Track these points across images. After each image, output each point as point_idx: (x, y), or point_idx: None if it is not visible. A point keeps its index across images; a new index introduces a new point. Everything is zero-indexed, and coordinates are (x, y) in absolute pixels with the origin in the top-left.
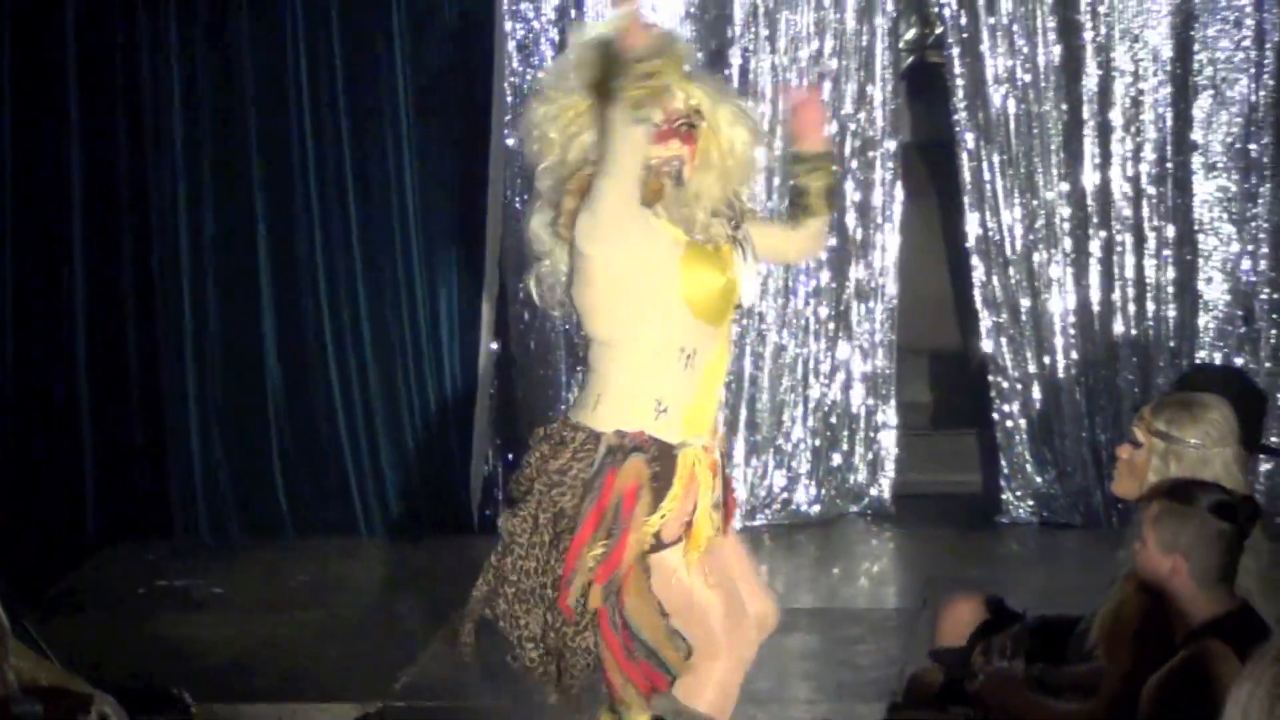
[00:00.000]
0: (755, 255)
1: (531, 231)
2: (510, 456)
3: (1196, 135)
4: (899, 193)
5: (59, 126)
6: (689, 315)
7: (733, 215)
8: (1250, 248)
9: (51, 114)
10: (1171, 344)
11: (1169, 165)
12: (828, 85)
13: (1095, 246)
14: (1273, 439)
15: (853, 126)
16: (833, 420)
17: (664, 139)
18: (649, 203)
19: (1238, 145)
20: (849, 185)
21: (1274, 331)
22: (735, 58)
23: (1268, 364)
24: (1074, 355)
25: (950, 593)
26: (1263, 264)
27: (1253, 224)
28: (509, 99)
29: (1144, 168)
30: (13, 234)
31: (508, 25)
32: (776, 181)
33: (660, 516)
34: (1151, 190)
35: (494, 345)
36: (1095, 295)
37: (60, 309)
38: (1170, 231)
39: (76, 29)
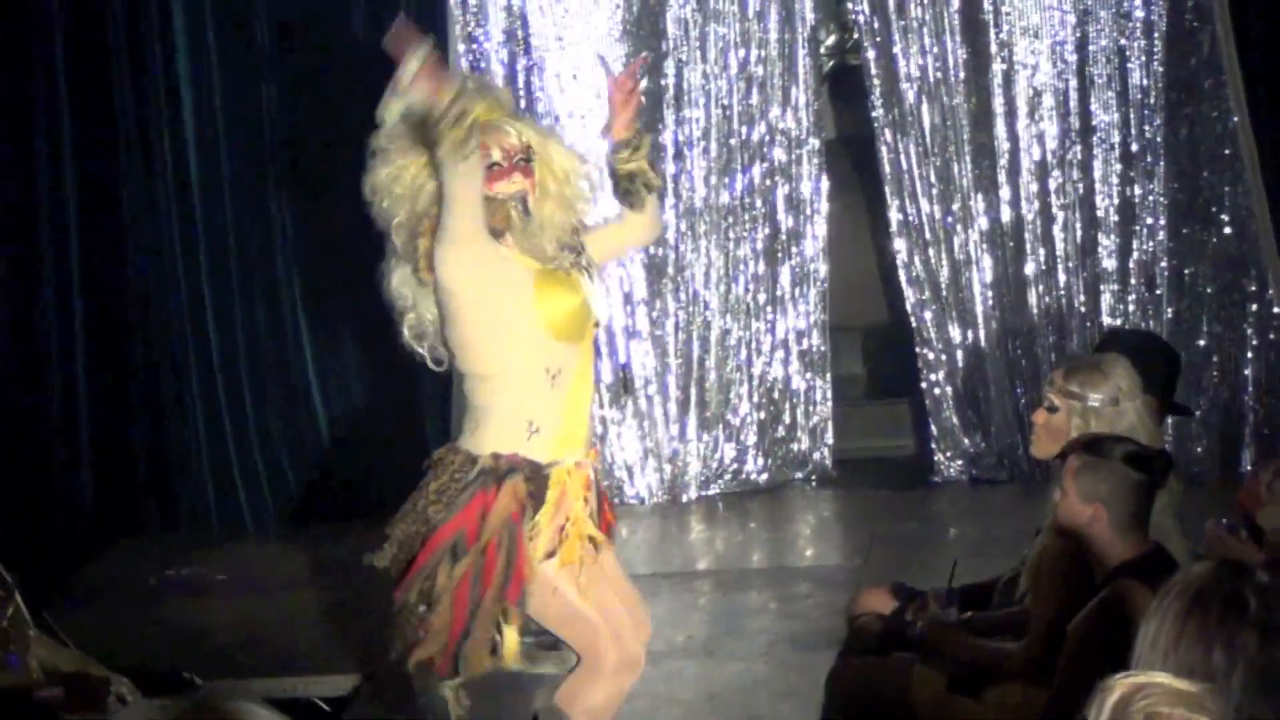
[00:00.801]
0: (599, 275)
1: (393, 291)
2: None
3: (1095, 120)
4: (825, 185)
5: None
6: (549, 337)
7: (575, 242)
8: (1149, 220)
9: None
10: (1082, 310)
11: (1070, 149)
12: (642, 69)
13: (1007, 225)
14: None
15: (780, 126)
16: (775, 395)
17: (507, 175)
18: (497, 234)
19: (1134, 129)
20: (779, 182)
21: (1173, 296)
22: (670, 69)
23: (1170, 327)
24: (993, 325)
25: (860, 588)
26: (1161, 235)
27: (1149, 199)
28: None
29: (1048, 152)
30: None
31: (460, 47)
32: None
33: (531, 530)
34: (1056, 173)
35: None
36: (1009, 270)
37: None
38: (1075, 209)
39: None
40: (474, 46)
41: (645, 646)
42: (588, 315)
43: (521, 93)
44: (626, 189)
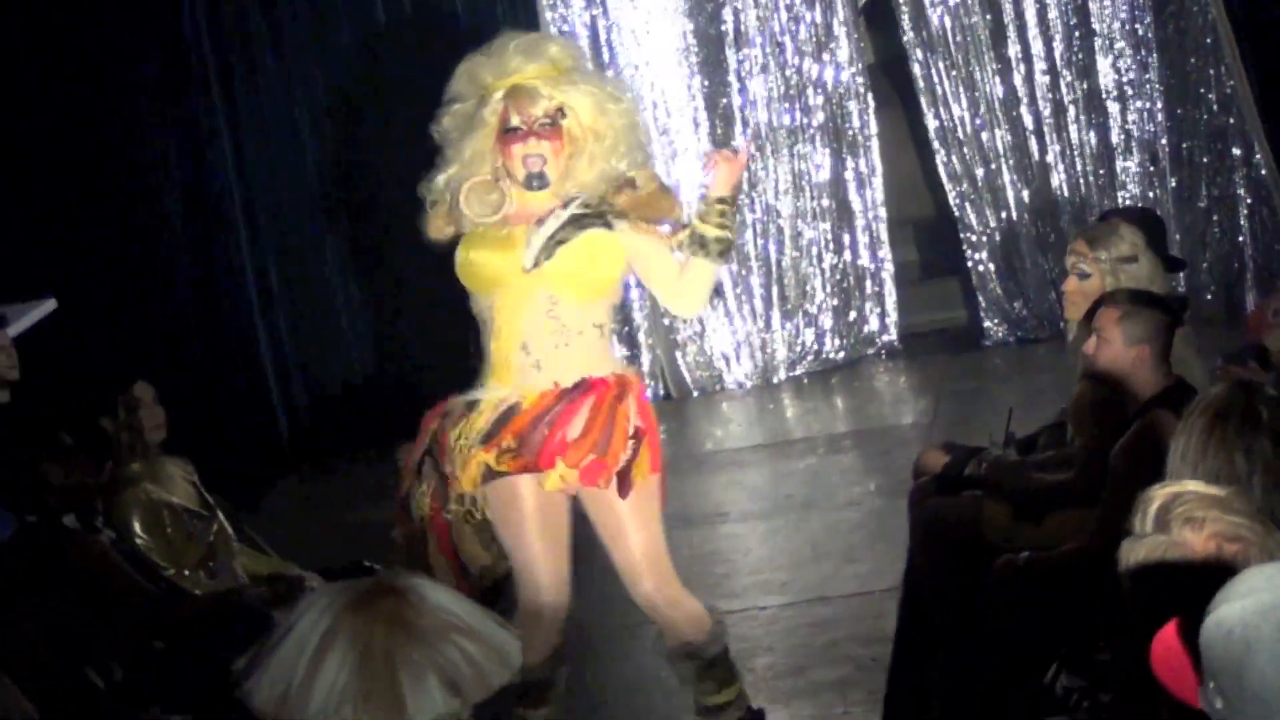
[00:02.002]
0: (554, 231)
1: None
2: None
3: (1095, 25)
4: (871, 102)
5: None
6: (466, 288)
7: (584, 203)
8: (1147, 105)
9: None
10: (1098, 186)
11: (1076, 51)
12: (750, 147)
13: (1028, 122)
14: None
15: (827, 55)
16: (844, 284)
17: (523, 138)
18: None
19: (1128, 28)
20: (833, 102)
21: (1174, 167)
22: (729, 15)
23: (1173, 194)
24: (1023, 208)
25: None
26: (1159, 116)
27: (1146, 87)
28: None
29: (1057, 56)
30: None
31: (548, 15)
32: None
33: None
34: (1066, 73)
35: None
36: (1032, 159)
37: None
38: (1083, 103)
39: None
40: (559, 11)
41: (663, 601)
42: (501, 265)
43: (604, 48)
44: (699, 243)
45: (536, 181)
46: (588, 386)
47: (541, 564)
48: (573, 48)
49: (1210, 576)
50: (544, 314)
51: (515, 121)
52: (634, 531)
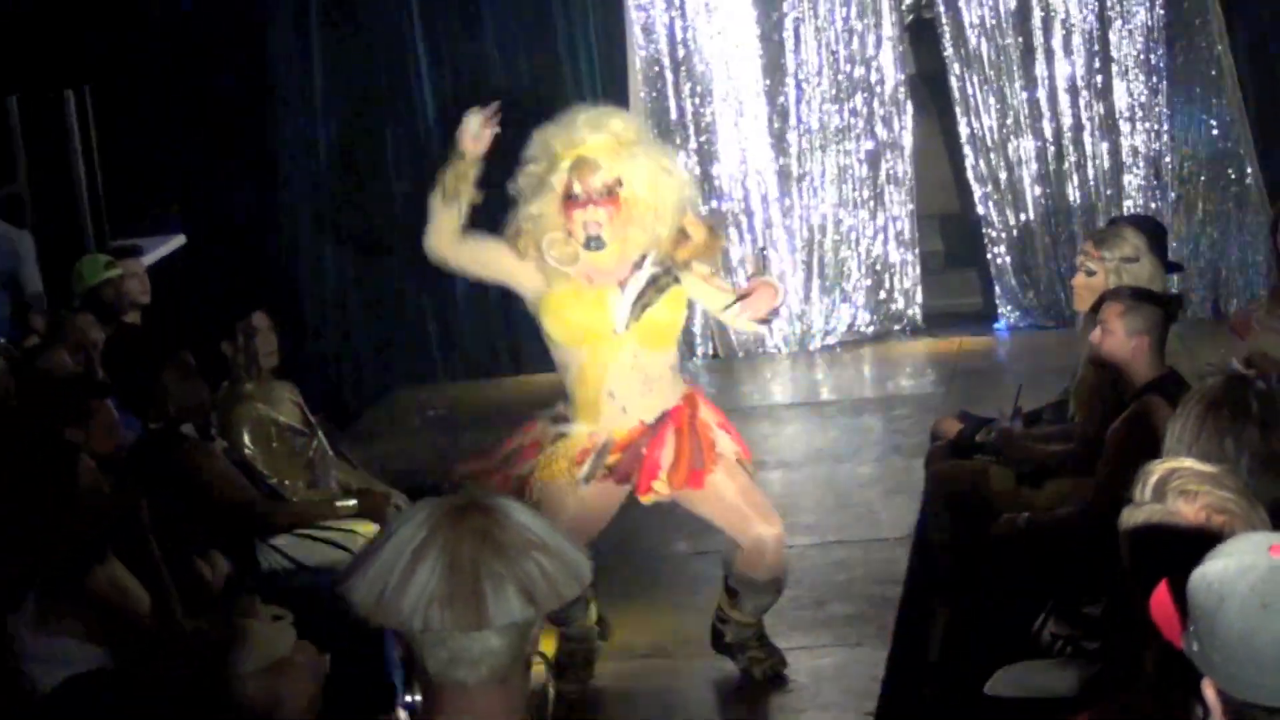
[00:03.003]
0: (645, 292)
1: None
2: None
3: (1113, 52)
4: (910, 108)
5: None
6: (553, 341)
7: (643, 260)
8: (1155, 126)
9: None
10: (1107, 194)
11: (1095, 74)
12: (778, 275)
13: (1049, 134)
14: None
15: (875, 65)
16: (877, 267)
17: (582, 205)
18: (517, 247)
19: (1142, 56)
20: (876, 107)
21: (1175, 182)
22: (789, 25)
23: (1172, 206)
24: (1040, 210)
25: (939, 416)
26: (1165, 136)
27: (1155, 110)
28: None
29: (1078, 77)
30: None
31: (633, 14)
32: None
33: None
34: (1085, 93)
35: None
36: (1051, 168)
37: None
38: (1099, 120)
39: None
40: (644, 13)
41: (771, 537)
42: (591, 325)
43: (680, 47)
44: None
45: (594, 243)
46: (666, 417)
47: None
48: (635, 122)
49: (1199, 543)
50: (629, 366)
51: (577, 189)
52: (740, 497)
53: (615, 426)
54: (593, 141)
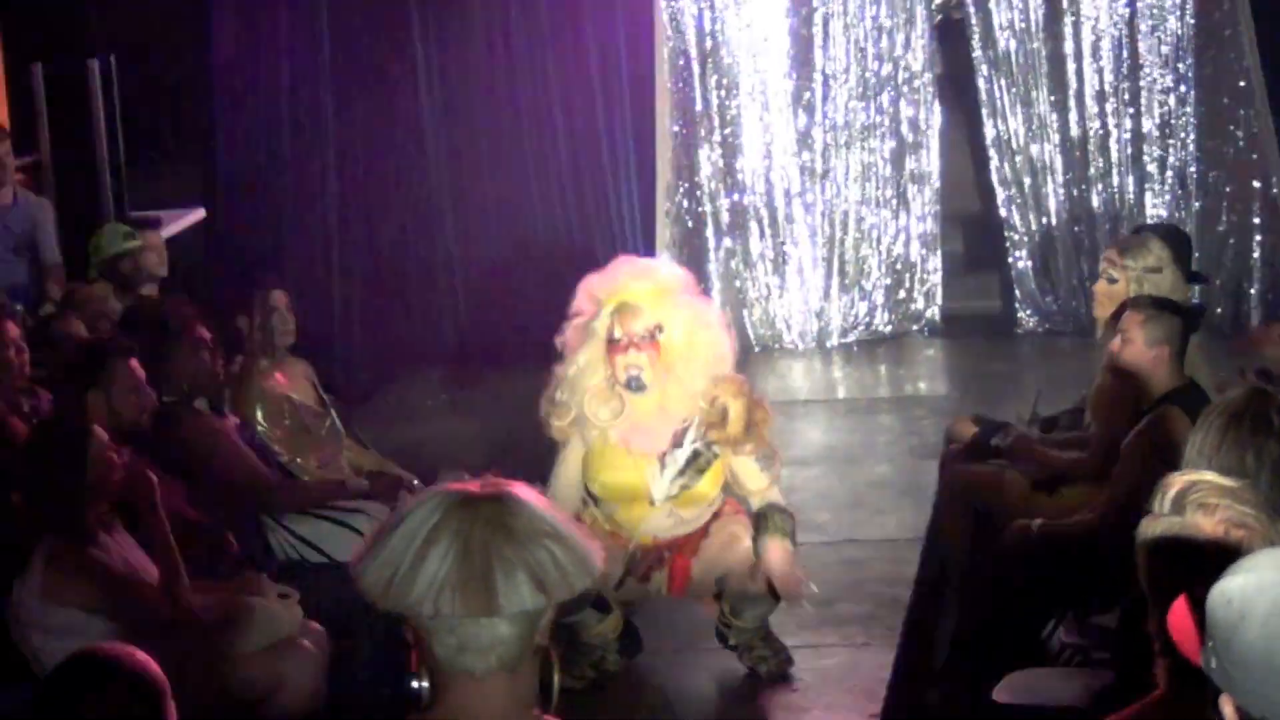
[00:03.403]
0: (677, 474)
1: None
2: None
3: (1143, 60)
4: (937, 108)
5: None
6: (593, 489)
7: (683, 435)
8: (1182, 135)
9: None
10: (1130, 202)
11: (1124, 81)
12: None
13: (1075, 139)
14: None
15: (903, 64)
16: (898, 266)
17: (623, 349)
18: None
19: (1171, 66)
20: (902, 107)
21: (1199, 193)
22: (818, 20)
23: (1196, 217)
24: (1063, 216)
25: (955, 418)
26: (1191, 147)
27: (1183, 119)
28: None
29: (1106, 84)
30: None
31: (663, 3)
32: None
33: None
34: (1112, 100)
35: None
36: (1076, 173)
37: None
38: (1126, 126)
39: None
40: (673, 4)
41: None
42: (631, 492)
43: (708, 39)
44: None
45: (635, 384)
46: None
47: None
48: (677, 272)
49: (1217, 557)
50: (665, 519)
51: (619, 334)
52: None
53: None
54: (636, 288)
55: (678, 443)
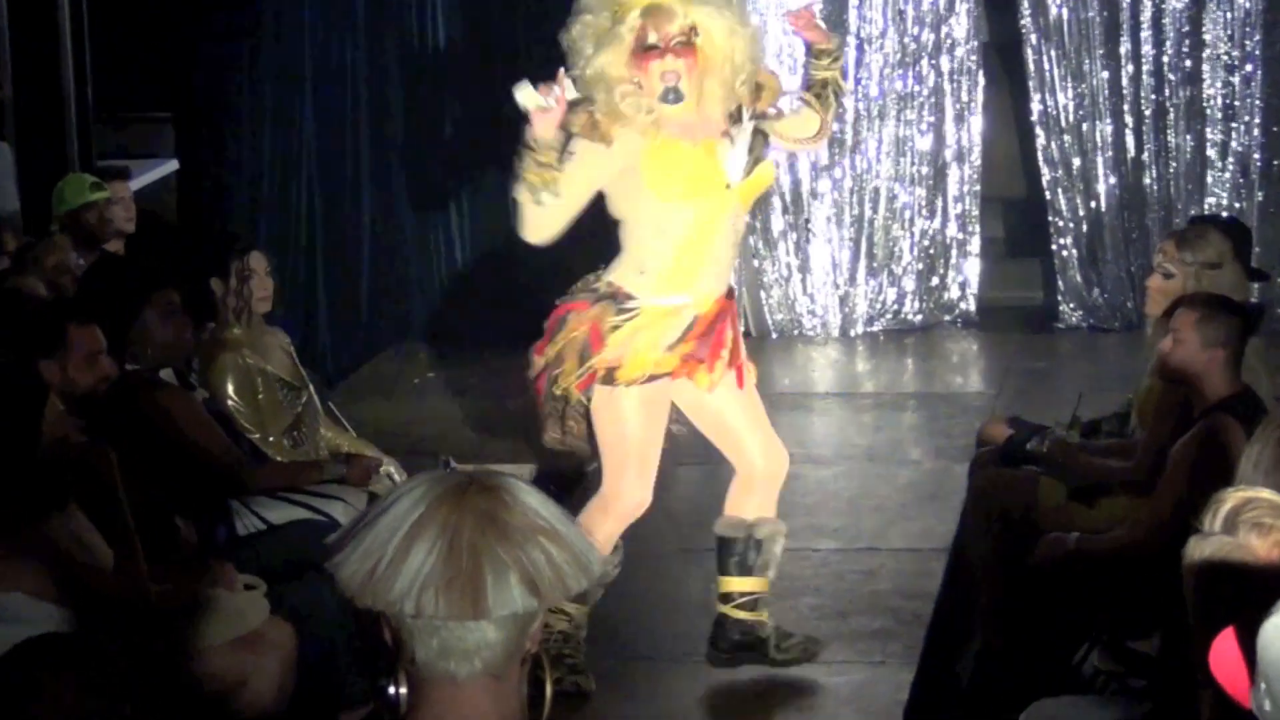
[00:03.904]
0: (747, 147)
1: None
2: None
3: (1205, 35)
4: (981, 79)
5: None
6: (656, 199)
7: (735, 112)
8: (1246, 118)
9: None
10: (1187, 189)
11: (1184, 58)
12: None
13: (1129, 119)
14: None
15: (945, 30)
16: (931, 250)
17: (660, 55)
18: (599, 135)
19: (1236, 42)
20: (945, 75)
21: (1263, 182)
22: None
23: (1259, 209)
24: (1113, 200)
25: (987, 419)
26: (1256, 132)
27: (1247, 101)
28: None
29: (1165, 60)
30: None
31: None
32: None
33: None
34: (1171, 77)
35: None
36: (1129, 155)
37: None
38: (1184, 108)
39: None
40: None
41: (780, 472)
42: (703, 179)
43: None
44: (818, 93)
45: (673, 95)
46: (730, 293)
47: (642, 468)
48: None
49: (1270, 583)
50: (730, 227)
51: (653, 39)
52: (761, 414)
53: (705, 294)
54: None
55: (735, 120)
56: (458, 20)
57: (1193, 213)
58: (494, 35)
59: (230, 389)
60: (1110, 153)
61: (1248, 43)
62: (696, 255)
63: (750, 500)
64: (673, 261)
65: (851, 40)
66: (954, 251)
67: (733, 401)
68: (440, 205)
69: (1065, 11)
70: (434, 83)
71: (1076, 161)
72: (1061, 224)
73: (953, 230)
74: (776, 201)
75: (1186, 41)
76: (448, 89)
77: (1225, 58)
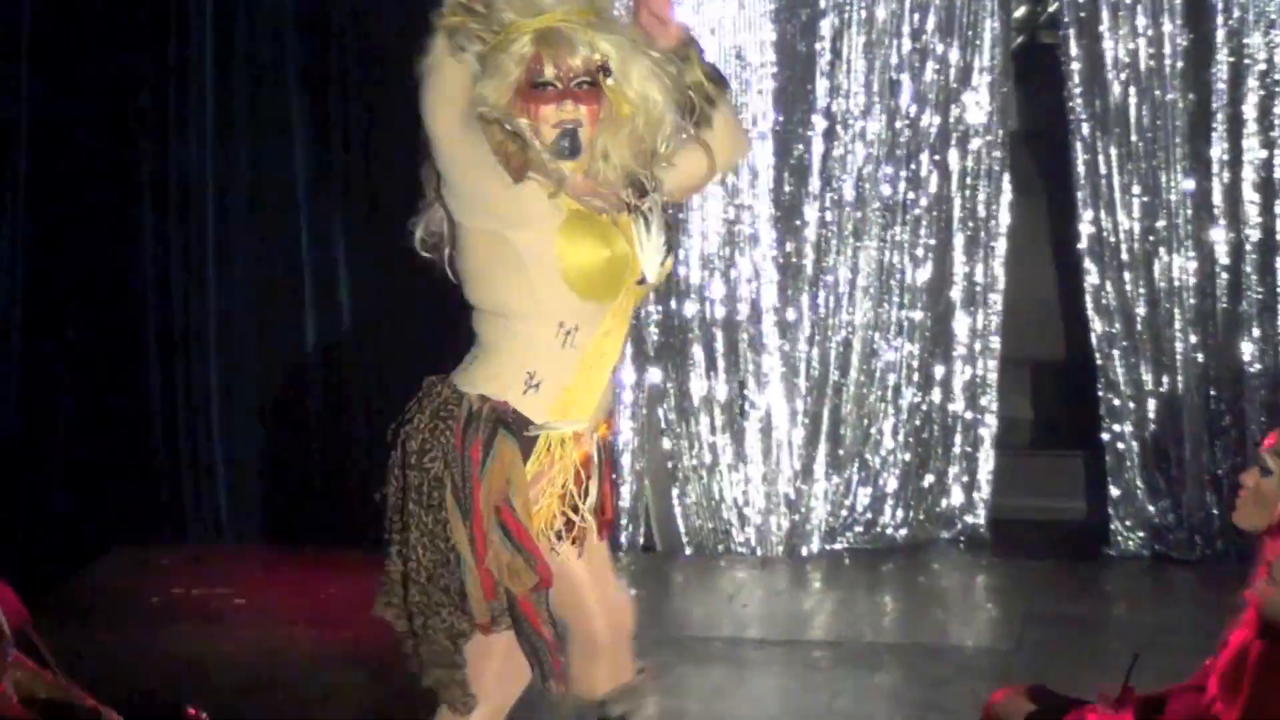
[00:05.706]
0: (660, 223)
1: (425, 176)
2: None
3: None
4: (1006, 186)
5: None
6: (569, 291)
7: (643, 182)
8: None
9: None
10: None
11: None
12: None
13: (1221, 252)
14: None
15: (956, 111)
16: (925, 435)
17: (557, 99)
18: (517, 175)
19: None
20: (954, 178)
21: None
22: (826, 30)
23: None
24: (1194, 372)
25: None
26: None
27: None
28: None
29: (1277, 166)
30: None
31: None
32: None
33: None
34: None
35: None
36: (1220, 306)
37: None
38: None
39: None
40: None
41: (628, 625)
42: (622, 272)
43: None
44: (690, 108)
45: (568, 148)
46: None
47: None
48: None
49: None
50: (628, 328)
51: (549, 76)
52: (606, 560)
53: (598, 420)
54: (564, 9)
55: (640, 192)
56: None
57: None
58: None
59: None
60: (1193, 300)
61: None
62: (602, 371)
63: (599, 670)
64: (576, 376)
65: (817, 120)
66: (958, 438)
67: (591, 551)
68: None
69: (1132, 93)
70: None
71: (1142, 312)
72: (1118, 402)
73: (958, 405)
74: (699, 354)
75: None
76: None
77: None
